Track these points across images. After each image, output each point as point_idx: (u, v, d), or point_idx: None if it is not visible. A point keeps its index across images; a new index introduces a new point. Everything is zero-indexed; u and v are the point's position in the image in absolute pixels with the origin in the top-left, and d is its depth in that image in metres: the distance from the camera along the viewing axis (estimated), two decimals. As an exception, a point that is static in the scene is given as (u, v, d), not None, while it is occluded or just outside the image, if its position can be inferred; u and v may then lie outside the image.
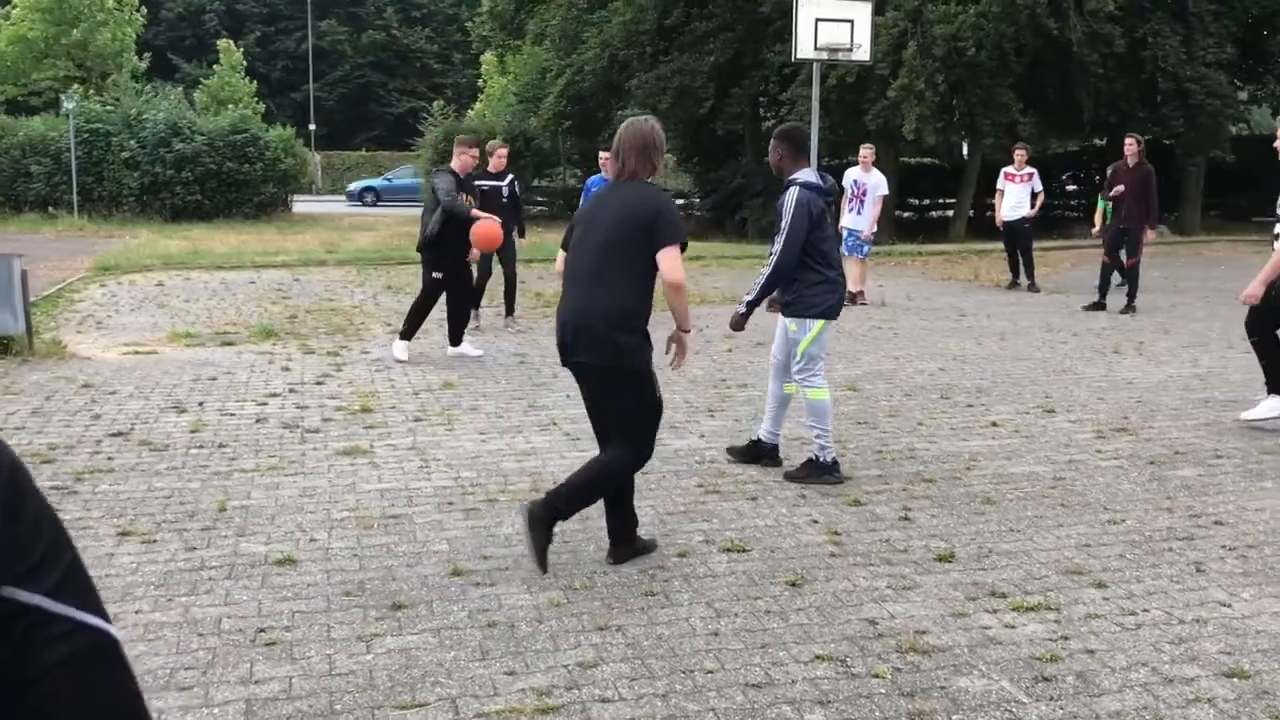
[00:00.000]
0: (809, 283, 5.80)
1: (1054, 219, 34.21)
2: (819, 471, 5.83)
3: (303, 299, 13.12)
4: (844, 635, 3.88)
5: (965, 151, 29.51)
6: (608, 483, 4.58)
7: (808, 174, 5.90)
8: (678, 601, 4.19)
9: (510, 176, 11.19)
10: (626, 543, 4.65)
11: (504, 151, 11.07)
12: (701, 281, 15.10)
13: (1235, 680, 3.55)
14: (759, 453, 6.18)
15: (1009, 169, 14.73)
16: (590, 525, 4.90)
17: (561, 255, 5.02)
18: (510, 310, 11.44)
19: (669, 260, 4.47)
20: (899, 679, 3.54)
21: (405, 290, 13.43)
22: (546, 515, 4.41)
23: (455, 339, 9.49)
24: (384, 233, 23.59)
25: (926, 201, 33.57)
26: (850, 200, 12.99)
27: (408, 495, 5.52)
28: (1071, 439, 6.76)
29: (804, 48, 16.82)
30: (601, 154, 12.17)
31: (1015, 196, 14.47)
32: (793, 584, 4.35)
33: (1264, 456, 6.37)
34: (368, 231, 24.20)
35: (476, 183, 10.09)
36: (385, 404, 7.57)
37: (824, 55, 16.98)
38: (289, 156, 28.54)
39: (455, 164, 9.28)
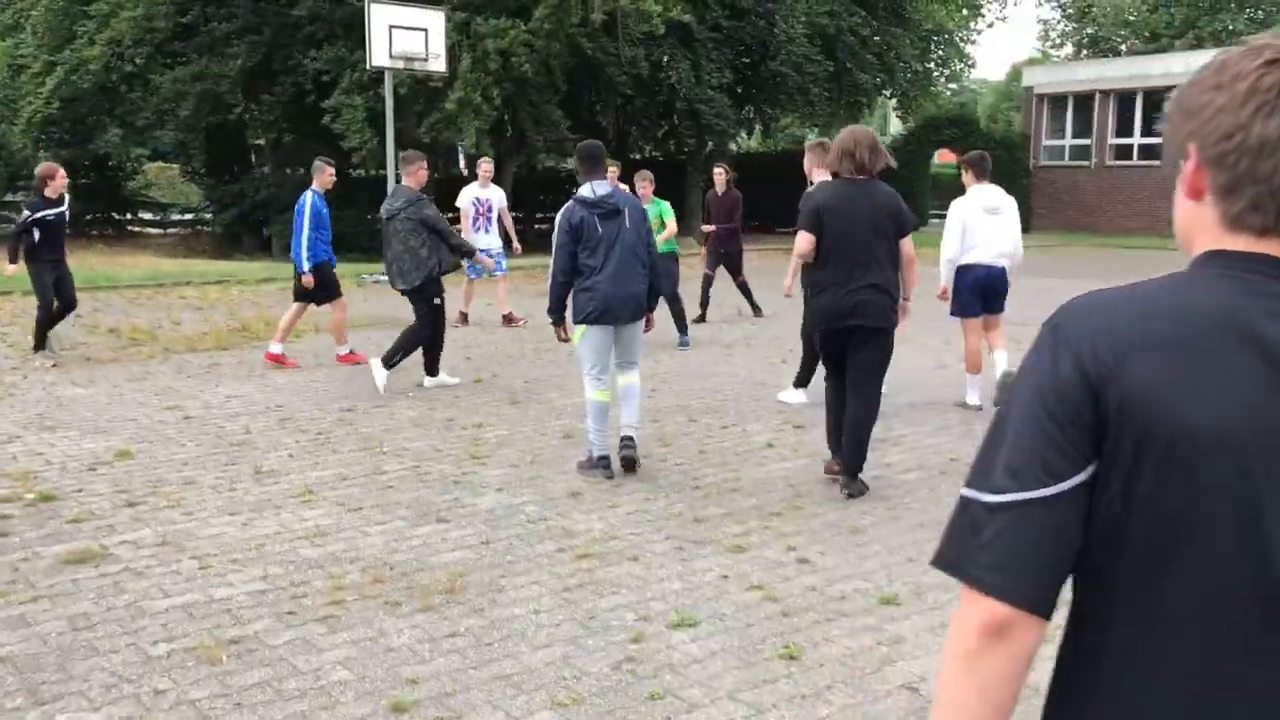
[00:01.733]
0: (575, 289, 6.19)
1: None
2: (588, 466, 6.23)
3: None
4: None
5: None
6: (876, 415, 5.91)
7: (584, 188, 6.23)
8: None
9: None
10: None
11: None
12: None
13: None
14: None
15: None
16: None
17: (805, 236, 5.75)
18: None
19: (910, 243, 5.87)
20: None
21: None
22: (855, 473, 5.83)
23: (433, 368, 8.82)
24: None
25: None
26: (475, 219, 12.44)
27: (227, 610, 4.29)
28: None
29: (379, 55, 15.95)
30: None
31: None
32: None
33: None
34: None
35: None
36: (65, 488, 5.92)
37: (400, 64, 16.22)
38: None
39: None
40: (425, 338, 8.63)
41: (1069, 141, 34.81)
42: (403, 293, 8.64)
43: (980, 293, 7.92)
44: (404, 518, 5.44)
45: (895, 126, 54.46)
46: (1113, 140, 33.42)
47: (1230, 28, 44.60)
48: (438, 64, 16.54)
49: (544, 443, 6.97)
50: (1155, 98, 32.08)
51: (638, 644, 3.98)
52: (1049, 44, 56.80)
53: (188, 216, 31.27)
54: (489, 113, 20.39)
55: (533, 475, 6.21)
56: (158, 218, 30.93)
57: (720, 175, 12.85)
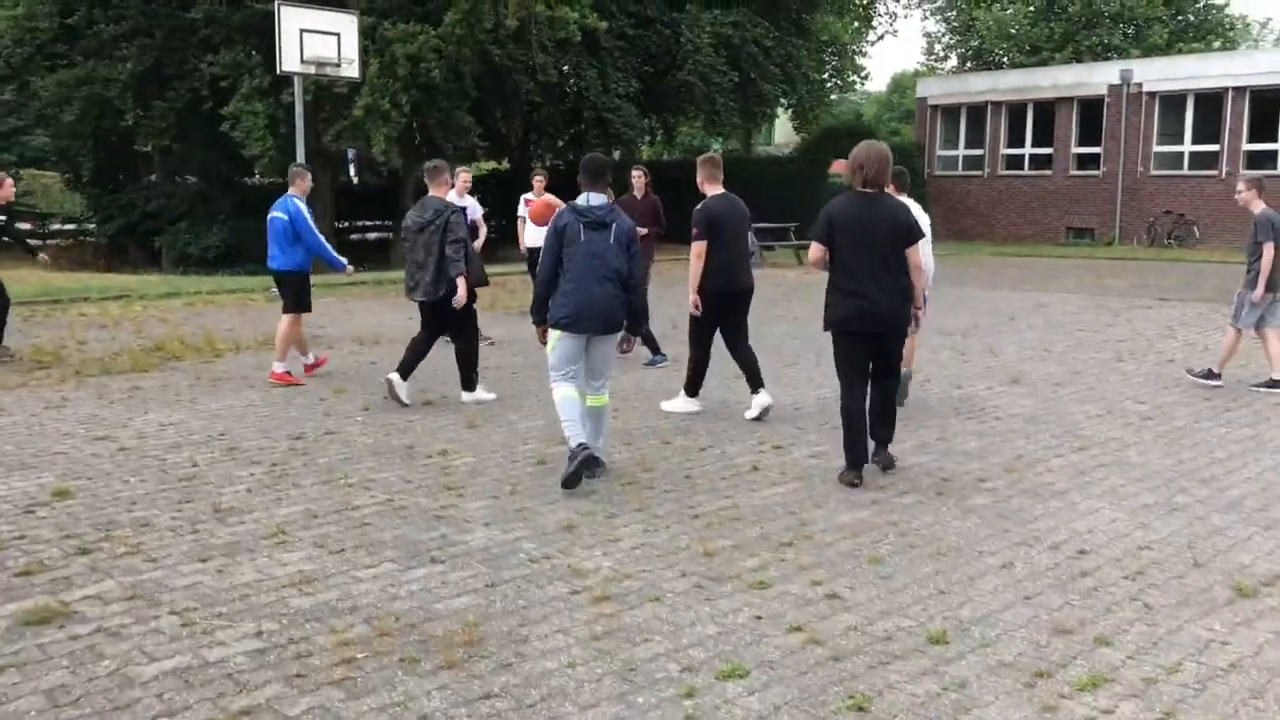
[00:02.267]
0: (556, 293, 6.33)
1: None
2: (570, 460, 6.16)
3: None
4: None
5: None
6: (898, 394, 7.13)
7: (581, 197, 6.38)
8: None
9: None
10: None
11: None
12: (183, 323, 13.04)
13: None
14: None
15: (528, 195, 14.53)
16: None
17: (817, 246, 6.30)
18: None
19: (917, 251, 6.32)
20: None
21: None
22: (886, 446, 6.63)
23: (470, 383, 8.74)
24: None
25: (367, 223, 32.59)
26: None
27: (226, 674, 3.85)
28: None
29: (289, 60, 15.32)
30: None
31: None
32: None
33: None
34: None
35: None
36: (2, 534, 5.35)
37: (311, 69, 15.60)
38: None
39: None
40: (450, 348, 9.04)
41: (962, 151, 35.57)
42: (422, 304, 8.51)
43: None
44: (393, 559, 5.04)
45: (780, 135, 54.97)
46: (1004, 150, 34.26)
47: (1106, 42, 46.19)
48: (351, 70, 15.99)
49: (519, 471, 6.62)
50: (1045, 108, 33.01)
51: (692, 699, 3.69)
52: (933, 57, 58.24)
53: (69, 227, 29.74)
54: (397, 119, 19.84)
55: (518, 507, 5.86)
56: (37, 228, 29.33)
57: (639, 178, 12.19)
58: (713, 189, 8.05)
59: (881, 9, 44.38)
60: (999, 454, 7.06)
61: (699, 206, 7.97)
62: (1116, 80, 31.11)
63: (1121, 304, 16.07)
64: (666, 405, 8.45)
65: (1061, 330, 13.08)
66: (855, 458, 6.28)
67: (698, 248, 7.87)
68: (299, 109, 15.94)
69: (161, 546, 5.20)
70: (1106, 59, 43.10)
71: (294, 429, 7.71)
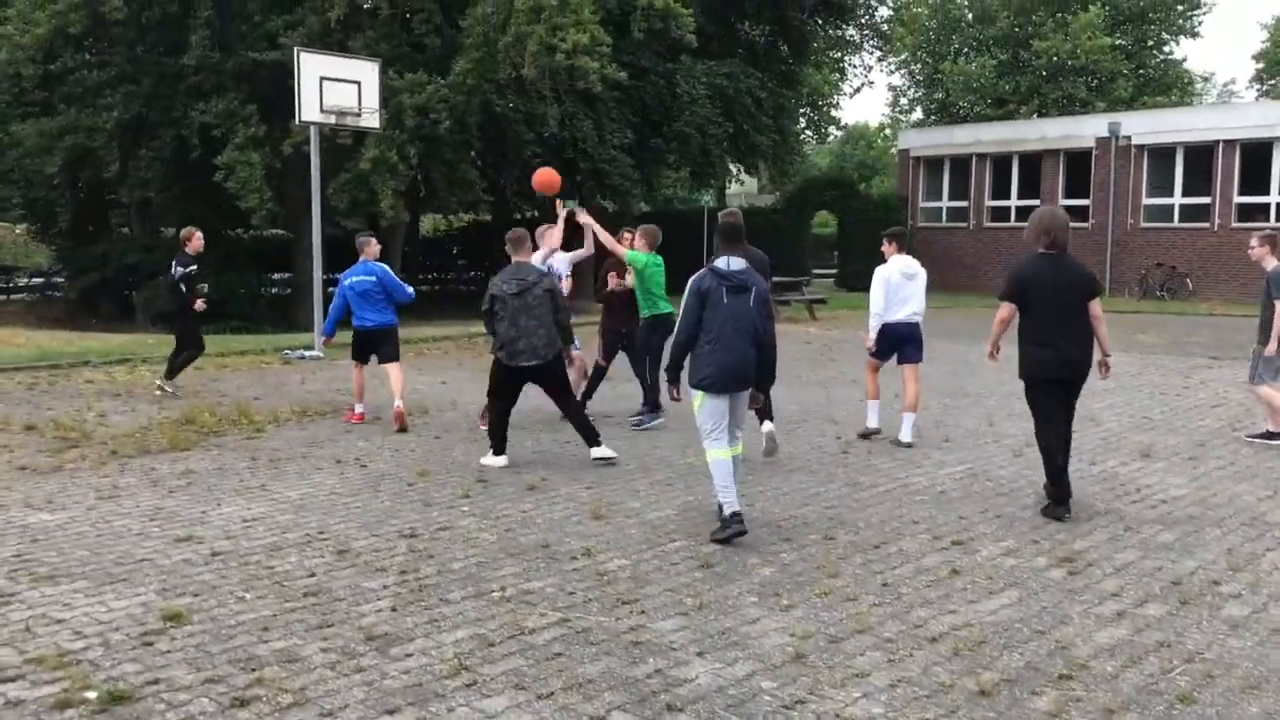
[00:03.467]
0: (694, 354, 6.51)
1: (449, 293, 34.24)
2: (723, 530, 6.34)
3: None
4: None
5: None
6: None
7: (720, 260, 6.51)
8: None
9: None
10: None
11: None
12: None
13: None
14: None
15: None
16: None
17: (1008, 306, 7.02)
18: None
19: (1098, 304, 6.99)
20: None
21: None
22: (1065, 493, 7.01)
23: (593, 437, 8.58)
24: None
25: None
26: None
27: None
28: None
29: (309, 110, 14.49)
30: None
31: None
32: None
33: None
34: None
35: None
36: (129, 676, 4.44)
37: (331, 119, 14.78)
38: None
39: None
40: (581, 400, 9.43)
41: (946, 203, 35.46)
42: (532, 369, 8.37)
43: (897, 344, 9.34)
44: (621, 706, 4.20)
45: (746, 187, 54.55)
46: (989, 202, 34.16)
47: (1072, 94, 46.68)
48: (371, 119, 15.15)
49: (686, 577, 5.80)
50: (1031, 160, 32.96)
51: None
52: (899, 109, 58.62)
53: (36, 281, 28.32)
54: (404, 172, 18.99)
55: (720, 629, 5.04)
56: (1, 283, 27.95)
57: (628, 237, 11.66)
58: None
59: (856, 61, 44.20)
60: (1207, 551, 6.37)
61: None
62: (1104, 133, 31.16)
63: (1177, 363, 15.64)
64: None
65: (1141, 393, 12.53)
66: (1061, 493, 6.97)
67: None
68: (315, 160, 15.05)
69: (330, 693, 4.32)
70: (1072, 112, 43.53)
71: (399, 523, 6.83)
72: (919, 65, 53.84)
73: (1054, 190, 32.38)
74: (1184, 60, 51.78)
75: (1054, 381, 6.91)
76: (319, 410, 11.18)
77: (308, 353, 14.96)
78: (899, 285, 9.18)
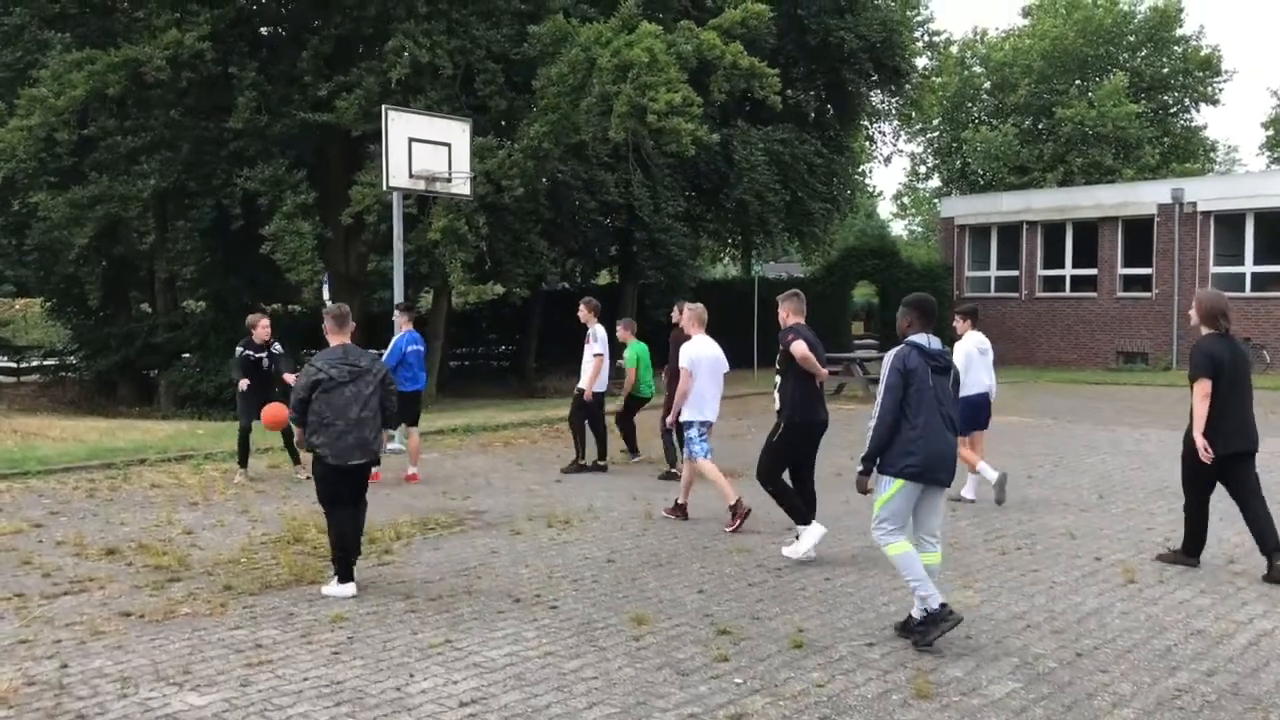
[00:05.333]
0: (897, 439, 5.91)
1: (478, 369, 32.59)
2: (932, 626, 5.78)
3: None
4: None
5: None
6: None
7: (920, 337, 6.07)
8: None
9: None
10: None
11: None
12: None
13: None
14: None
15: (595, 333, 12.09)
16: None
17: (1207, 382, 7.22)
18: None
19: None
20: None
21: None
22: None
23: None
24: None
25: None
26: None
27: None
28: None
29: (397, 174, 12.95)
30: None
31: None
32: None
33: None
34: None
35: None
36: None
37: (420, 185, 13.23)
38: None
39: None
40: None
41: (994, 273, 34.14)
42: (358, 467, 7.24)
43: (974, 414, 9.82)
44: None
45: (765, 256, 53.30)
46: (1041, 271, 32.86)
47: (1099, 161, 45.80)
48: (462, 186, 13.63)
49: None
50: (1087, 228, 31.72)
51: None
52: (917, 178, 57.78)
53: (50, 362, 26.46)
54: (474, 243, 17.42)
55: None
56: (12, 363, 26.09)
57: (680, 314, 10.83)
58: (797, 320, 8.12)
59: (885, 128, 43.20)
60: None
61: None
62: (1167, 199, 29.97)
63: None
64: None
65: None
66: (1194, 548, 7.64)
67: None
68: (397, 229, 13.41)
69: None
70: (1098, 181, 42.49)
71: (666, 705, 5.11)
72: (938, 133, 53.16)
73: (1112, 259, 31.12)
74: (1205, 127, 51.17)
75: (1239, 455, 7.30)
76: (440, 522, 9.48)
77: (394, 446, 13.25)
78: (975, 359, 9.93)
